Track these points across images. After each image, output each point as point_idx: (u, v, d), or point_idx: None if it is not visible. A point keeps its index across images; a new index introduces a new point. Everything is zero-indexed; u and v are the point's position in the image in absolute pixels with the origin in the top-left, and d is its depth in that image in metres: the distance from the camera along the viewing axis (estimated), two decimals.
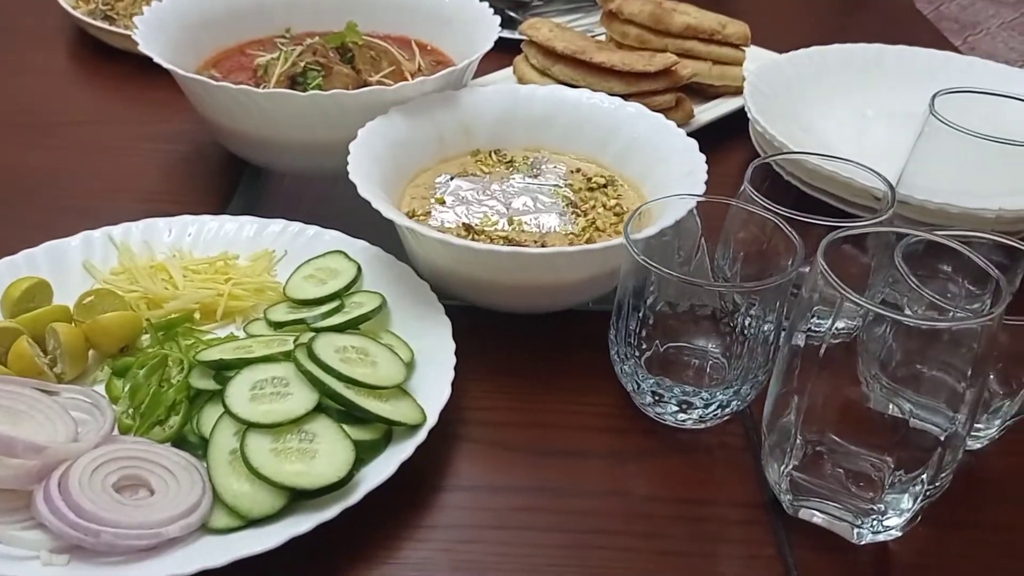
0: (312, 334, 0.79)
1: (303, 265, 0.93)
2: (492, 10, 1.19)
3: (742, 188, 0.87)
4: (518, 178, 1.02)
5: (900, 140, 0.96)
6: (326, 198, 1.11)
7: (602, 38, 1.46)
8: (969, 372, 0.65)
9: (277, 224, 0.97)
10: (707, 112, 1.26)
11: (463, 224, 0.94)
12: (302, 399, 0.72)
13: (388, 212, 0.84)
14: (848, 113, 1.25)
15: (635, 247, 0.76)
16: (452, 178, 1.01)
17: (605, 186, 1.01)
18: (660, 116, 1.02)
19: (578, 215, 0.96)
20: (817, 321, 0.71)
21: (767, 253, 0.85)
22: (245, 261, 0.95)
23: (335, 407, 0.73)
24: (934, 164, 0.88)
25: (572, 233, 0.93)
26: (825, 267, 0.64)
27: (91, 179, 1.13)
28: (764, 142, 1.16)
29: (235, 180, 1.14)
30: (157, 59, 1.01)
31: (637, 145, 1.01)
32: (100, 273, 0.91)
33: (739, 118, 1.25)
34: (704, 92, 1.31)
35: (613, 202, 0.98)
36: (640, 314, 0.80)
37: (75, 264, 0.91)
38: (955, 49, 1.52)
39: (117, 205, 1.06)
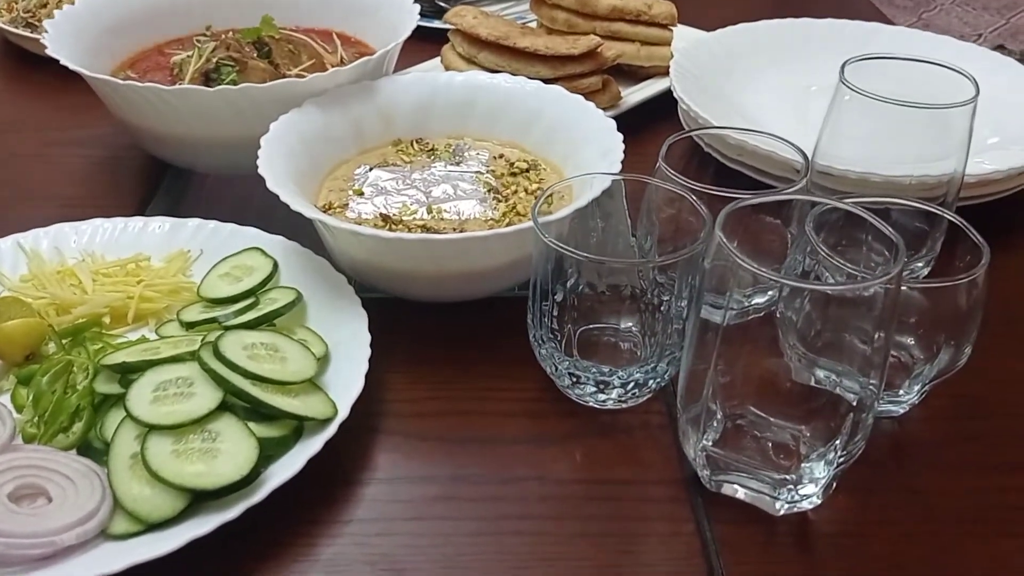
0: (222, 332, 0.77)
1: (219, 264, 0.91)
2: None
3: (657, 165, 0.86)
4: (440, 166, 1.00)
5: None
6: (248, 196, 1.09)
7: (533, 24, 1.45)
8: (874, 336, 0.64)
9: (193, 223, 0.96)
10: (635, 94, 1.25)
11: (380, 215, 0.92)
12: (206, 399, 0.71)
13: (297, 205, 0.83)
14: (784, 89, 1.25)
15: (545, 230, 0.75)
16: (371, 169, 0.99)
17: (527, 170, 0.99)
18: (579, 98, 1.01)
19: (499, 200, 0.95)
20: (739, 295, 0.70)
21: (684, 230, 0.84)
22: (159, 262, 0.93)
23: (242, 405, 0.72)
24: (849, 133, 0.87)
25: (492, 219, 0.92)
26: (722, 237, 0.63)
27: (1, 187, 1.10)
28: (690, 120, 1.15)
29: (155, 183, 1.12)
30: (64, 61, 0.99)
31: (558, 128, 1.00)
32: (9, 281, 0.89)
33: (669, 99, 1.24)
34: (634, 74, 1.30)
35: (535, 186, 0.97)
36: (558, 297, 0.79)
37: None
38: (888, 21, 1.53)
39: (30, 213, 1.03)
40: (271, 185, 0.84)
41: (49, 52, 1.01)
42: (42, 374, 0.77)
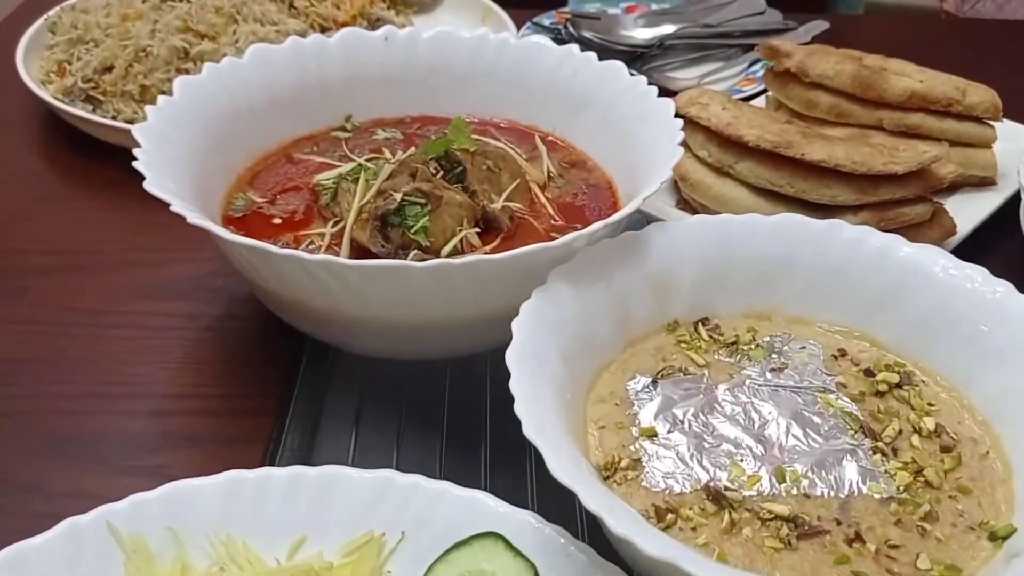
0: None
1: (439, 565, 0.55)
2: (647, 80, 0.82)
3: None
4: (754, 373, 0.64)
5: None
6: (440, 390, 0.73)
7: (759, 101, 1.09)
8: None
9: (383, 478, 0.59)
10: (963, 217, 0.87)
11: (704, 487, 0.56)
12: None
13: (618, 526, 0.47)
14: None
15: None
16: (653, 381, 0.63)
17: (899, 385, 0.63)
18: (978, 269, 0.64)
19: (883, 454, 0.58)
20: None
21: None
22: (337, 554, 0.57)
23: None
24: None
25: (892, 498, 0.55)
26: None
27: (66, 375, 0.74)
28: None
29: (293, 363, 0.75)
30: (178, 207, 0.63)
31: (948, 320, 0.64)
32: None
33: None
34: None
35: (928, 421, 0.60)
36: None
37: None
38: None
39: (110, 427, 0.68)
40: (555, 470, 0.49)
41: (151, 187, 0.64)
42: None
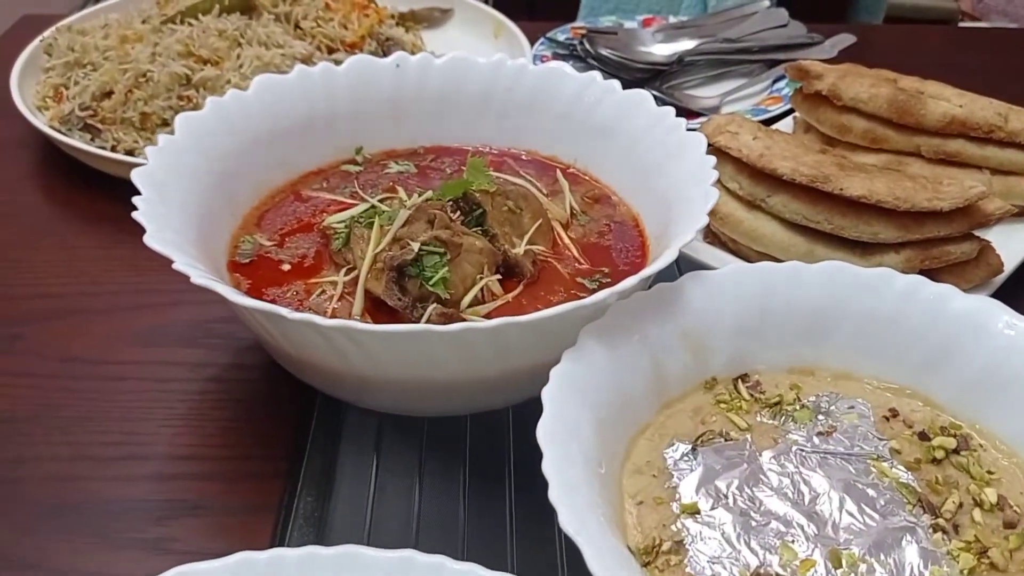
0: None
1: None
2: (675, 111, 0.77)
3: None
4: (801, 438, 0.60)
5: None
6: (462, 447, 0.69)
7: (784, 124, 1.04)
8: None
9: (396, 559, 0.54)
10: (1007, 252, 0.83)
11: (755, 572, 0.51)
12: None
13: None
14: None
15: None
16: (693, 449, 0.59)
17: (956, 451, 0.59)
18: None
19: (945, 532, 0.54)
20: None
21: None
22: None
23: None
24: None
25: None
26: None
27: (63, 432, 0.70)
28: None
29: (303, 421, 0.71)
30: (181, 266, 0.58)
31: (1000, 373, 0.59)
32: None
33: None
34: None
35: (990, 493, 0.56)
36: None
37: None
38: None
39: (110, 493, 0.64)
40: (591, 561, 0.44)
41: (151, 241, 0.60)
42: None
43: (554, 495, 0.49)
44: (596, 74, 0.83)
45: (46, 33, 1.11)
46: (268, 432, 0.70)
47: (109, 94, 1.01)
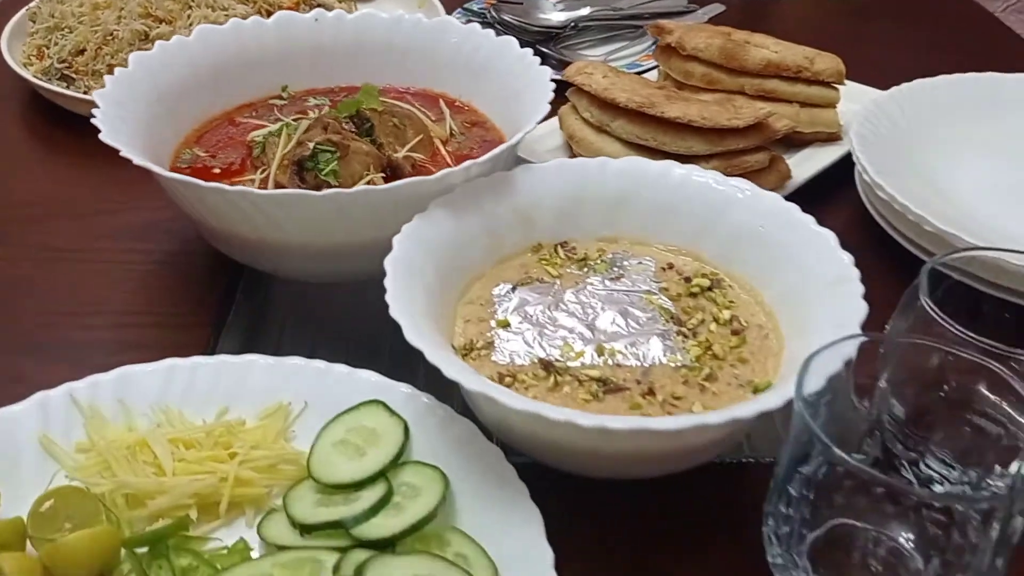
0: (357, 556, 0.57)
1: (331, 424, 0.70)
2: (532, 51, 0.97)
3: (906, 302, 0.66)
4: (595, 281, 0.79)
5: None
6: (350, 309, 0.89)
7: (652, 75, 1.24)
8: None
9: (291, 363, 0.75)
10: (801, 167, 1.03)
11: (539, 360, 0.71)
12: None
13: (447, 365, 0.62)
14: (987, 159, 1.03)
15: (808, 411, 0.55)
16: (514, 288, 0.78)
17: (710, 288, 0.79)
18: (783, 203, 0.79)
19: (685, 335, 0.74)
20: None
21: (962, 402, 0.64)
22: (253, 420, 0.72)
23: None
24: None
25: (684, 366, 0.71)
26: None
27: (43, 297, 0.89)
28: (884, 207, 0.94)
29: (230, 289, 0.91)
30: (127, 152, 0.78)
31: (750, 236, 0.79)
32: (63, 453, 0.68)
33: (834, 169, 1.04)
34: (788, 140, 1.09)
35: (726, 313, 0.76)
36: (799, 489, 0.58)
37: (29, 442, 0.68)
38: None
39: (78, 336, 0.84)
40: (411, 337, 0.63)
41: (104, 138, 0.80)
42: None
43: (394, 311, 0.67)
44: (476, 26, 1.03)
45: (31, 4, 1.31)
46: (203, 297, 0.89)
47: (82, 51, 1.21)
